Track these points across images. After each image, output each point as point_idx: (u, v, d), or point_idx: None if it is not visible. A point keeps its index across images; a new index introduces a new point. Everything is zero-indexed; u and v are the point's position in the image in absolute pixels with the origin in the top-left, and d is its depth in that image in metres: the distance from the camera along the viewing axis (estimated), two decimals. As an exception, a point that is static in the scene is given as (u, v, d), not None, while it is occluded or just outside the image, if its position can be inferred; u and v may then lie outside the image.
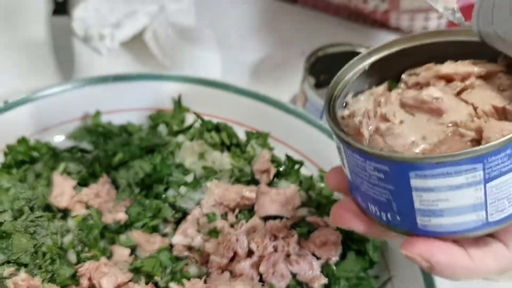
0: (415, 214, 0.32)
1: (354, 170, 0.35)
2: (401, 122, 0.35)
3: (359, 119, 0.36)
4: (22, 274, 0.48)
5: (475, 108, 0.34)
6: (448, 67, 0.37)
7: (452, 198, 0.31)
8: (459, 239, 0.33)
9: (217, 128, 0.64)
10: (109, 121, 0.65)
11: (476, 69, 0.36)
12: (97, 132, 0.63)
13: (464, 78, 0.36)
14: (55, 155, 0.61)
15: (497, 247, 0.32)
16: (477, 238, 0.33)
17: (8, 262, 0.50)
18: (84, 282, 0.51)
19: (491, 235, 0.33)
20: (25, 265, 0.50)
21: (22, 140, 0.61)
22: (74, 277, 0.51)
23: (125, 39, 0.81)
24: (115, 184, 0.59)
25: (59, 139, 0.64)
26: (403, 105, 0.36)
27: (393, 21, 0.86)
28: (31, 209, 0.54)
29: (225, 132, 0.63)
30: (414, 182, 0.31)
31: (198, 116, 0.65)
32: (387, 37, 0.86)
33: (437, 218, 0.32)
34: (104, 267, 0.51)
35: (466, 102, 0.35)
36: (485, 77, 0.36)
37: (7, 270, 0.49)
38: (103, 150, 0.61)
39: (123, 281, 0.51)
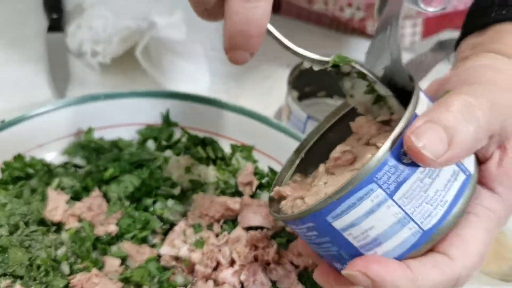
0: (361, 252, 0.34)
1: (303, 238, 0.38)
2: (325, 183, 0.38)
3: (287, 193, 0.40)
4: (18, 286, 0.51)
5: (378, 147, 0.36)
6: (357, 124, 0.40)
7: (375, 223, 0.33)
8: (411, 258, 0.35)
9: (203, 142, 0.67)
10: (101, 137, 0.68)
11: (378, 119, 0.40)
12: (89, 148, 0.67)
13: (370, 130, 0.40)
14: (49, 171, 0.64)
15: (438, 257, 0.33)
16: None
17: (5, 274, 0.53)
18: (77, 292, 0.54)
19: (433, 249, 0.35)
20: (21, 277, 0.53)
21: (18, 157, 0.65)
22: (67, 288, 0.54)
23: (117, 54, 0.83)
24: (106, 197, 0.63)
25: (53, 155, 0.67)
26: (327, 170, 0.39)
27: (370, 29, 0.89)
28: (26, 224, 0.58)
29: (211, 146, 0.67)
30: (337, 224, 0.33)
31: (185, 131, 0.68)
32: (367, 45, 0.89)
33: (379, 247, 0.33)
34: (95, 278, 0.54)
35: (373, 145, 0.38)
36: (386, 123, 0.39)
37: (4, 282, 0.52)
38: (95, 165, 0.65)
39: (116, 290, 0.55)
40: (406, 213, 0.32)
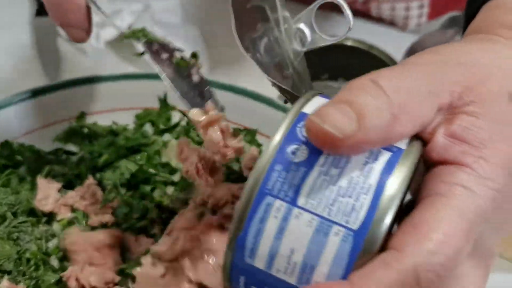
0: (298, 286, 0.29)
1: None
2: None
3: None
4: (5, 281, 0.47)
5: None
6: None
7: (293, 244, 0.27)
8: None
9: (204, 125, 0.63)
10: (95, 122, 0.64)
11: None
12: (82, 133, 0.62)
13: None
14: (39, 158, 0.60)
15: (385, 255, 0.26)
16: None
17: None
18: (73, 283, 0.50)
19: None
20: (9, 272, 0.49)
21: (6, 144, 0.60)
22: (60, 283, 0.50)
23: (110, 38, 0.79)
24: (101, 185, 0.58)
25: (43, 142, 0.62)
26: None
27: (374, 11, 0.85)
28: (14, 214, 0.53)
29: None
30: (259, 263, 0.28)
31: (183, 114, 0.64)
32: (371, 28, 0.86)
33: (314, 273, 0.27)
34: (90, 267, 0.50)
35: None
36: None
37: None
38: (89, 152, 0.61)
39: (112, 279, 0.50)
40: (321, 217, 0.27)
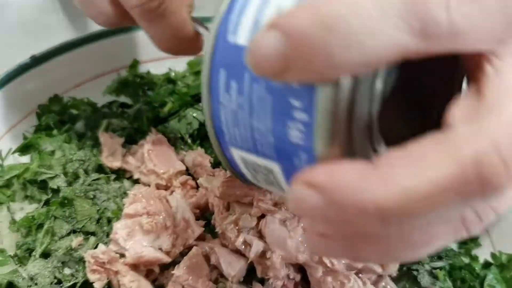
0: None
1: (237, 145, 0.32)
2: None
3: None
4: (102, 246, 0.43)
5: None
6: None
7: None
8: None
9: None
10: (147, 71, 0.59)
11: None
12: (135, 84, 0.57)
13: None
14: (95, 111, 0.55)
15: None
16: None
17: (74, 231, 0.44)
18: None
19: None
20: (92, 234, 0.45)
21: (55, 98, 0.55)
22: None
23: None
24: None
25: (93, 96, 0.57)
26: None
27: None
28: (86, 172, 0.48)
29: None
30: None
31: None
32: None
33: None
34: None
35: None
36: None
37: (75, 240, 0.44)
38: (146, 103, 0.56)
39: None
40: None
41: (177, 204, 0.46)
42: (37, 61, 0.54)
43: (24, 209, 0.48)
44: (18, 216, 0.47)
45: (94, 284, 0.41)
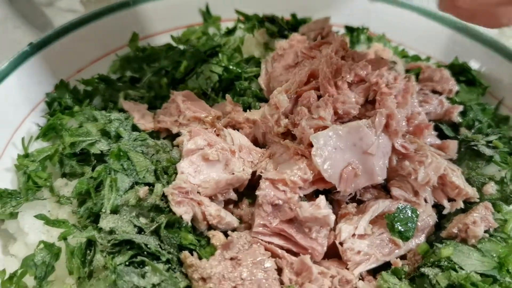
0: None
1: None
2: None
3: None
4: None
5: None
6: None
7: None
8: None
9: (271, 19, 0.60)
10: (147, 44, 0.58)
11: None
12: (138, 58, 0.56)
13: None
14: (109, 85, 0.53)
15: None
16: None
17: (137, 183, 0.42)
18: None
19: None
20: (151, 184, 0.43)
21: (62, 84, 0.53)
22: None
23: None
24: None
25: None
26: None
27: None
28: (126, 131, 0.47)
29: (277, 20, 0.60)
30: None
31: (240, 13, 0.60)
32: None
33: None
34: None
35: None
36: None
37: (142, 190, 0.41)
38: (156, 72, 0.55)
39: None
40: None
41: (231, 136, 0.45)
42: (36, 47, 0.52)
43: (68, 184, 0.45)
44: (66, 191, 0.45)
45: (183, 216, 0.40)
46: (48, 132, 0.49)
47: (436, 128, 0.51)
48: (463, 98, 0.53)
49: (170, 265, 0.39)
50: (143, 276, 0.37)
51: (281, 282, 0.40)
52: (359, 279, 0.42)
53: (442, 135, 0.51)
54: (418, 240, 0.43)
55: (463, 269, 0.39)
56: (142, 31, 0.59)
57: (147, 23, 0.59)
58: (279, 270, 0.40)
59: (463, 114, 0.52)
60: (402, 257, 0.43)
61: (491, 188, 0.46)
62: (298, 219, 0.41)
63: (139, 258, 0.38)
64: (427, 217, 0.44)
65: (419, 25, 0.61)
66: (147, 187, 0.42)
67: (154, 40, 0.60)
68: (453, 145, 0.48)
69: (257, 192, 0.42)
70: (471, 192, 0.44)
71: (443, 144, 0.48)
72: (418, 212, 0.42)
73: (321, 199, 0.41)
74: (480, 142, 0.48)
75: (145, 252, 0.38)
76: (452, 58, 0.59)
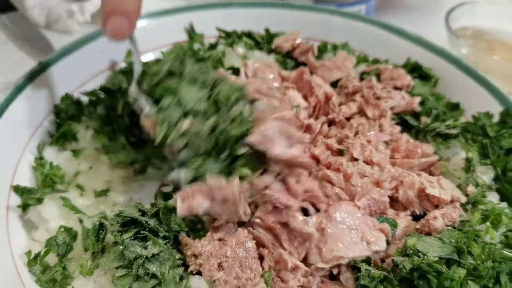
0: None
1: None
2: None
3: None
4: (211, 122, 0.48)
5: None
6: None
7: None
8: None
9: (248, 34, 0.68)
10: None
11: None
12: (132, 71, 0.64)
13: None
14: (110, 94, 0.61)
15: None
16: None
17: (186, 114, 0.49)
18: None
19: None
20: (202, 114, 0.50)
21: (67, 96, 0.60)
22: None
23: (95, 9, 0.80)
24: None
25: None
26: None
27: None
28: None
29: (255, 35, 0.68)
30: None
31: (222, 30, 0.69)
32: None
33: None
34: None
35: None
36: None
37: (186, 122, 0.48)
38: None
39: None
40: None
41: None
42: (45, 66, 0.60)
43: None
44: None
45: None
46: (61, 137, 0.58)
47: (402, 120, 0.60)
48: (419, 91, 0.63)
49: (167, 240, 0.46)
50: (145, 247, 0.45)
51: (262, 267, 0.47)
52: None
53: (407, 126, 0.61)
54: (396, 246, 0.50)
55: (426, 256, 0.46)
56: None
57: (140, 42, 0.66)
58: (261, 259, 0.48)
59: (421, 104, 0.62)
60: (382, 261, 0.49)
61: (471, 188, 0.53)
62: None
63: (142, 233, 0.45)
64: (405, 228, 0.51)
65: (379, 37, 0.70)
66: (189, 120, 0.49)
67: (147, 56, 0.68)
68: (429, 149, 0.57)
69: (267, 192, 0.49)
70: (457, 196, 0.51)
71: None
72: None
73: (313, 219, 0.49)
74: (441, 128, 0.58)
75: (147, 229, 0.46)
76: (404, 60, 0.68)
